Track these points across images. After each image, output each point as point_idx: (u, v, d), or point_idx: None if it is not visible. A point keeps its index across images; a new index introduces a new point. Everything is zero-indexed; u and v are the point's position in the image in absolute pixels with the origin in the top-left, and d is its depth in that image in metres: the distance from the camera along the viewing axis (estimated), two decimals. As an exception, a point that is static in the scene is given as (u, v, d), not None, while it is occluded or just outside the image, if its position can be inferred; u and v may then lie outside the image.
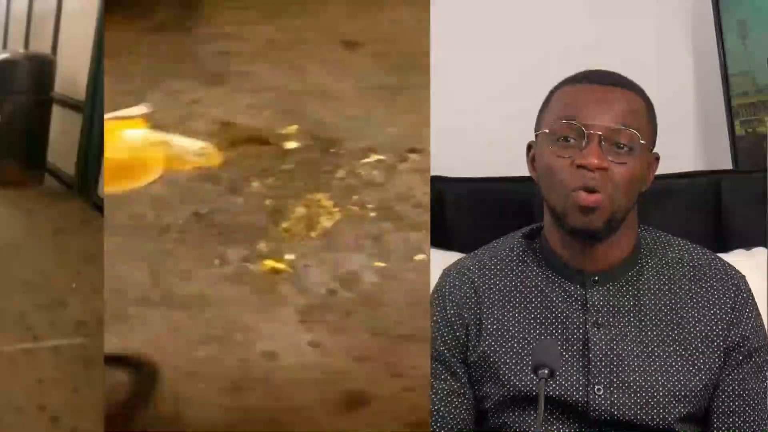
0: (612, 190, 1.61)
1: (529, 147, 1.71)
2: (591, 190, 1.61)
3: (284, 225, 1.79)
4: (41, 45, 5.31)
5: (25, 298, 2.75)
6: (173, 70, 2.01)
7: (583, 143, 1.61)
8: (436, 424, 1.70)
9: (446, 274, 1.77)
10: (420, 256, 1.78)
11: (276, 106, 1.96)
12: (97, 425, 1.97)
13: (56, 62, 4.84)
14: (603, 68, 1.71)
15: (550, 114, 1.66)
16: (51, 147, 4.75)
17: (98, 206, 3.74)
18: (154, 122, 1.91)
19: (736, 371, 1.68)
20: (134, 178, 1.83)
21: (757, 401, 1.68)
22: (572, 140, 1.62)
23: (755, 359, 1.69)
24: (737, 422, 1.67)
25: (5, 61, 4.73)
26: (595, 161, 1.59)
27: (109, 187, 1.81)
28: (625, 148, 1.62)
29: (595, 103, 1.63)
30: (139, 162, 1.85)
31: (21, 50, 5.53)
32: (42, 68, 4.74)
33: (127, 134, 1.89)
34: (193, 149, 1.87)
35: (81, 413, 2.06)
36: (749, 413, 1.67)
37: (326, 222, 1.81)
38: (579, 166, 1.60)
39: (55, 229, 3.60)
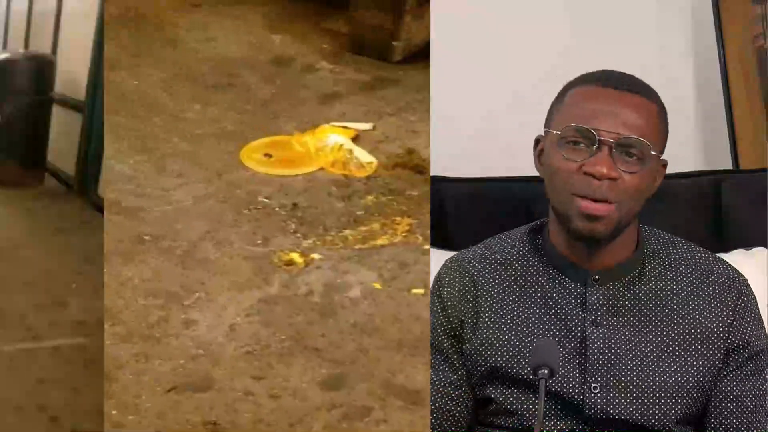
0: (622, 198, 1.59)
1: (537, 141, 1.69)
2: (598, 199, 1.59)
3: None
4: (41, 45, 5.31)
5: (25, 298, 2.75)
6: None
7: (594, 149, 1.58)
8: (434, 416, 1.70)
9: (446, 265, 1.77)
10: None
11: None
12: (97, 425, 1.96)
13: (56, 62, 4.83)
14: (603, 68, 1.71)
15: (562, 114, 1.63)
16: (51, 147, 4.75)
17: (98, 206, 3.74)
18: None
19: (734, 373, 1.67)
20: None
21: (755, 404, 1.67)
22: (582, 144, 1.60)
23: (755, 362, 1.68)
24: (734, 423, 1.66)
25: (5, 61, 4.72)
26: (604, 170, 1.57)
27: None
28: (636, 157, 1.60)
29: (609, 109, 1.59)
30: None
31: (21, 50, 5.52)
32: (42, 68, 4.74)
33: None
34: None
35: (81, 413, 2.06)
36: (746, 415, 1.66)
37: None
38: (587, 173, 1.58)
39: (55, 229, 3.59)
